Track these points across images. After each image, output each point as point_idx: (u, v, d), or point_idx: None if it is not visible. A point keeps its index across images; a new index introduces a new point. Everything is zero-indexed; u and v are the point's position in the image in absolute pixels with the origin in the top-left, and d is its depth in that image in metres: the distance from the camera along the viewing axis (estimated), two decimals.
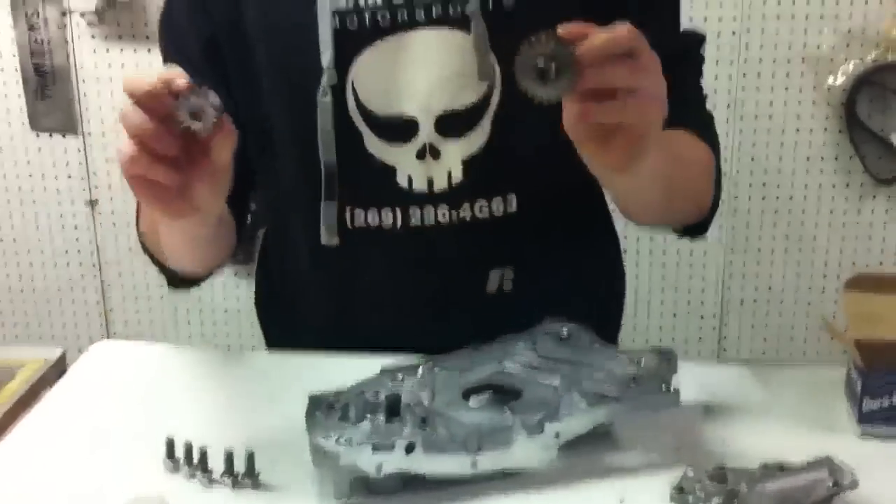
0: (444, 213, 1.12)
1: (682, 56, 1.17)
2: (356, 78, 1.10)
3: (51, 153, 2.35)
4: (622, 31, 0.85)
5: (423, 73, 1.09)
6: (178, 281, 1.21)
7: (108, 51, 2.27)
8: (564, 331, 1.06)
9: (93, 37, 2.26)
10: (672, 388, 0.94)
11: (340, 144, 1.11)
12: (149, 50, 2.26)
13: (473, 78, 1.09)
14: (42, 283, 2.43)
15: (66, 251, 2.42)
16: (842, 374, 1.04)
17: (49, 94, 2.30)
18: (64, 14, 2.25)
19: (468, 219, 1.12)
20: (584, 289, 1.22)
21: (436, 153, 1.11)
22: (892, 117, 2.19)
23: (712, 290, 2.33)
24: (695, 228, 1.21)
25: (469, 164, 1.11)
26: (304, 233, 1.17)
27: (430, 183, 1.11)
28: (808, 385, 1.07)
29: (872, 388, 0.97)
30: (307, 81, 1.09)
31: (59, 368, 1.28)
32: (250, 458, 0.92)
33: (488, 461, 0.90)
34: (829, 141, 2.22)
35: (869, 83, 2.16)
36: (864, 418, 0.98)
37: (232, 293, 2.35)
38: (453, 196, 1.12)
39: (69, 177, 2.36)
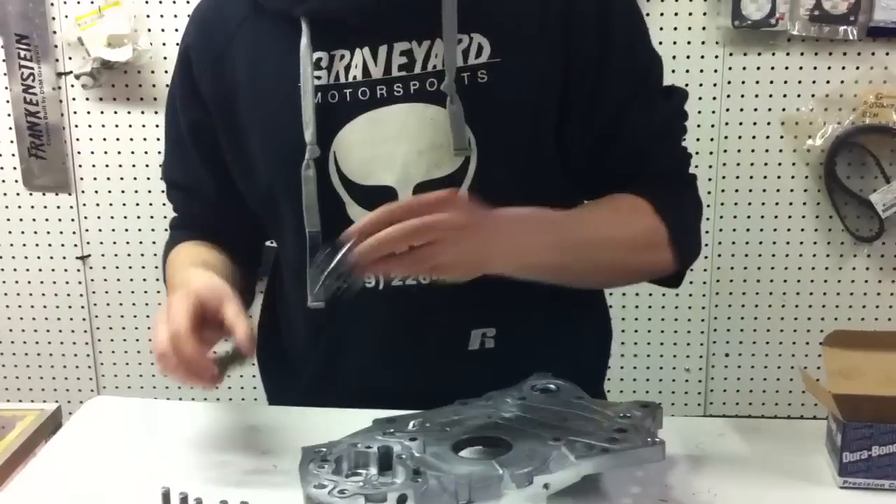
0: (424, 276, 1.15)
1: (661, 119, 1.21)
2: (338, 150, 1.14)
3: (43, 210, 2.37)
4: (404, 225, 0.94)
5: (401, 145, 1.13)
6: None
7: (102, 112, 2.31)
8: (552, 385, 1.09)
9: (87, 98, 2.30)
10: (658, 441, 0.96)
11: (325, 212, 1.14)
12: (142, 112, 2.29)
13: (450, 150, 1.12)
14: (33, 336, 2.44)
15: (58, 306, 2.43)
16: (823, 427, 1.06)
17: (43, 153, 2.33)
18: (60, 75, 2.28)
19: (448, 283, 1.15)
20: (568, 345, 1.24)
21: None
22: (870, 177, 2.25)
23: (697, 344, 2.36)
24: (667, 280, 1.24)
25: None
26: (295, 293, 1.21)
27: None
28: (791, 438, 1.10)
29: (851, 440, 1.00)
30: (293, 155, 1.13)
31: (54, 422, 1.28)
32: None
33: None
34: (809, 201, 2.27)
35: (847, 145, 2.21)
36: (844, 470, 1.00)
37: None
38: None
39: (61, 232, 2.38)
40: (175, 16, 2.23)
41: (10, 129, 2.32)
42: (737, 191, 2.26)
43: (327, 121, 1.13)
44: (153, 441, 1.12)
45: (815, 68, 2.20)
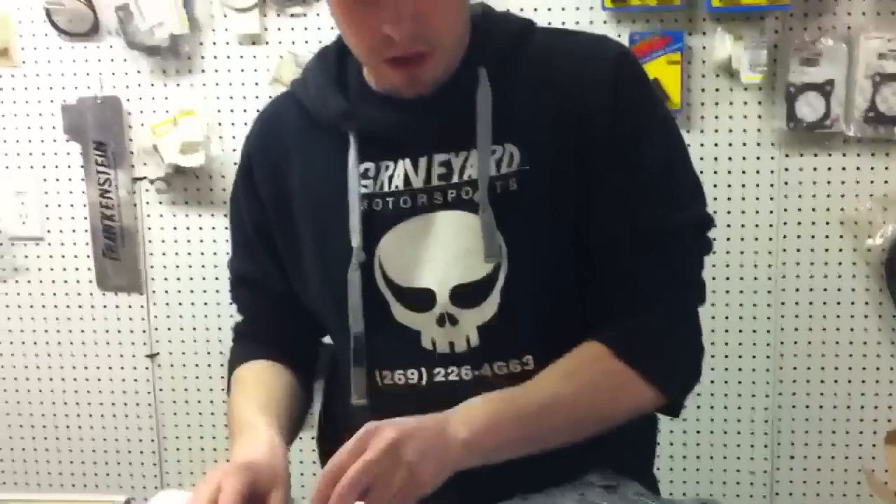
0: (466, 372, 1.20)
1: (669, 238, 1.20)
2: (382, 254, 1.20)
3: (115, 309, 2.46)
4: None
5: (439, 250, 1.18)
6: None
7: (174, 215, 2.40)
8: (613, 482, 1.10)
9: (160, 202, 2.40)
10: None
11: (370, 312, 1.20)
12: (212, 215, 2.38)
13: (482, 256, 1.17)
14: (101, 432, 2.50)
15: (126, 403, 2.49)
16: None
17: (116, 254, 2.42)
18: (135, 180, 2.39)
19: (489, 376, 1.19)
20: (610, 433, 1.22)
21: (453, 320, 1.19)
22: None
23: (761, 446, 2.34)
24: (664, 410, 1.25)
25: (484, 331, 1.18)
26: (346, 388, 1.25)
27: (452, 345, 1.19)
28: None
29: None
30: (341, 259, 1.20)
31: None
32: None
33: None
34: (871, 300, 2.26)
35: None
36: None
37: None
38: (473, 357, 1.19)
39: (131, 331, 2.46)
40: (245, 123, 2.33)
41: (86, 231, 2.42)
42: (797, 290, 2.26)
43: (372, 227, 1.20)
44: None
45: (871, 168, 2.22)
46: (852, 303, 2.27)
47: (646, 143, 1.18)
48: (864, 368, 2.29)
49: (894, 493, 1.03)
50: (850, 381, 2.29)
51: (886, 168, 2.22)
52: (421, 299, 1.19)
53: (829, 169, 2.23)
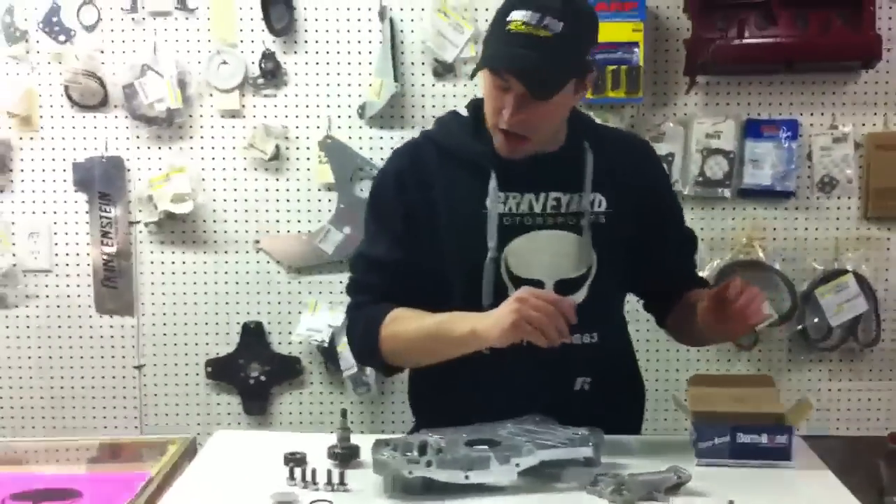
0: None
1: (691, 246, 2.04)
2: (508, 254, 1.84)
3: (109, 329, 3.01)
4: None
5: (549, 255, 1.84)
6: (395, 370, 1.95)
7: (162, 252, 2.98)
8: (538, 418, 1.75)
9: (151, 242, 2.97)
10: (592, 444, 1.65)
11: (496, 293, 1.80)
12: (194, 252, 2.97)
13: (580, 262, 1.85)
14: (93, 432, 3.00)
15: (115, 407, 3.03)
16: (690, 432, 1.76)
17: (114, 284, 2.98)
18: (131, 223, 2.96)
19: (568, 343, 1.75)
20: (629, 394, 2.01)
21: None
22: None
23: None
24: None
25: (574, 312, 1.76)
26: None
27: None
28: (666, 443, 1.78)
29: (702, 435, 1.70)
30: (477, 254, 1.81)
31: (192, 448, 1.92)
32: (341, 474, 1.60)
33: (475, 476, 1.58)
34: None
35: (728, 275, 2.93)
36: (699, 453, 1.70)
37: None
38: None
39: (122, 347, 3.01)
40: (224, 179, 2.95)
41: (88, 265, 2.98)
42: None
43: (503, 235, 1.82)
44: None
45: (702, 219, 2.96)
46: None
47: (674, 197, 2.06)
48: (689, 360, 2.99)
49: (691, 411, 1.73)
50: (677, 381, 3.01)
51: (713, 219, 2.97)
52: (533, 286, 1.78)
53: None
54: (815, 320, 2.97)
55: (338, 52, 2.93)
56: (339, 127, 2.94)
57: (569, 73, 1.75)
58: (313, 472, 1.61)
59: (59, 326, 3.01)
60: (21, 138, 2.94)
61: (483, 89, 1.81)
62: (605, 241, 1.85)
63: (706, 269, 2.93)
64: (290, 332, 2.98)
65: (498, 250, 1.81)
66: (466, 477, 1.57)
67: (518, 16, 1.70)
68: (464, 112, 1.91)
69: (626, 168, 1.89)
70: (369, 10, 2.91)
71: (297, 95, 2.94)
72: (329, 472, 1.60)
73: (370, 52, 2.92)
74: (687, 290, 1.95)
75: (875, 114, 2.94)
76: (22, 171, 2.96)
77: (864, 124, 2.95)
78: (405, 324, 1.85)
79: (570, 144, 1.87)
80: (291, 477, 1.62)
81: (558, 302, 1.68)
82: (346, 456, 1.70)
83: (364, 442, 1.71)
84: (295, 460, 1.68)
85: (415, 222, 1.88)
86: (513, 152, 1.80)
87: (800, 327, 2.98)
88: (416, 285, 1.88)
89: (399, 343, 1.86)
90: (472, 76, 1.80)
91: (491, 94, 1.78)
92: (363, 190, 2.87)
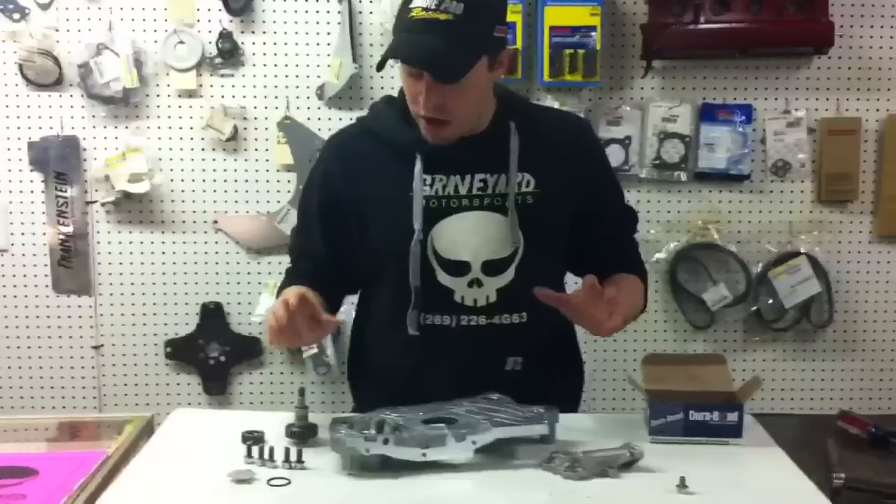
0: (482, 320, 1.85)
1: (628, 225, 2.03)
2: (434, 236, 1.84)
3: (66, 309, 2.99)
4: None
5: (475, 236, 1.84)
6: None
7: (119, 232, 2.96)
8: (495, 396, 1.77)
9: (108, 221, 2.96)
10: (545, 423, 1.68)
11: (422, 275, 1.82)
12: (151, 232, 2.96)
13: (507, 242, 1.85)
14: (52, 412, 2.99)
15: (73, 387, 3.02)
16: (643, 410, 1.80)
17: (70, 263, 2.96)
18: (87, 203, 2.94)
19: (496, 324, 1.84)
20: (563, 372, 1.99)
21: (480, 284, 1.85)
22: (702, 281, 3.03)
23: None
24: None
25: (500, 292, 1.84)
26: (392, 328, 1.86)
27: (475, 301, 1.85)
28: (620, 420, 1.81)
29: (655, 413, 1.73)
30: (404, 238, 1.81)
31: (149, 427, 1.93)
32: (299, 452, 1.61)
33: (432, 454, 1.60)
34: (659, 299, 3.04)
35: (684, 257, 3.01)
36: (652, 430, 1.73)
37: None
38: (489, 310, 1.85)
39: (80, 327, 3.00)
40: (181, 160, 2.94)
41: (45, 244, 2.96)
42: None
43: (429, 218, 1.83)
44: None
45: (658, 202, 3.00)
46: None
47: (611, 180, 2.01)
48: (646, 341, 3.04)
49: (645, 389, 1.77)
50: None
51: (669, 202, 3.01)
52: (459, 268, 1.83)
53: (628, 202, 3.00)
54: (770, 301, 3.03)
55: (296, 33, 2.92)
56: (297, 108, 2.94)
57: (474, 53, 1.75)
58: (271, 450, 1.62)
59: (16, 307, 2.99)
60: None
61: (401, 79, 1.83)
62: (532, 221, 1.85)
63: (663, 251, 2.99)
64: (249, 313, 2.98)
65: (424, 232, 1.83)
66: (423, 455, 1.59)
67: (419, 2, 1.72)
68: (397, 97, 1.92)
69: (557, 146, 1.90)
70: None
71: (255, 76, 2.93)
72: (287, 451, 1.62)
73: (329, 33, 2.91)
74: (619, 269, 1.95)
75: (828, 99, 3.00)
76: None
77: (816, 109, 3.00)
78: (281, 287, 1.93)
79: (496, 126, 1.87)
80: (249, 455, 1.63)
81: (295, 312, 1.70)
82: (303, 434, 1.72)
83: (322, 421, 1.73)
84: (252, 438, 1.69)
85: (341, 216, 1.91)
86: (437, 138, 1.81)
87: (754, 308, 3.04)
88: (345, 270, 1.94)
89: None
90: (379, 69, 1.79)
91: (406, 82, 1.80)
92: None
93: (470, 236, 1.85)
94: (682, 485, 1.52)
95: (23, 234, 2.96)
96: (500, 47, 1.81)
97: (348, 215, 1.90)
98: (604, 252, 1.94)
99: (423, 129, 1.81)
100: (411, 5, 1.73)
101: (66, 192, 2.93)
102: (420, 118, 1.80)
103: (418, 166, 1.83)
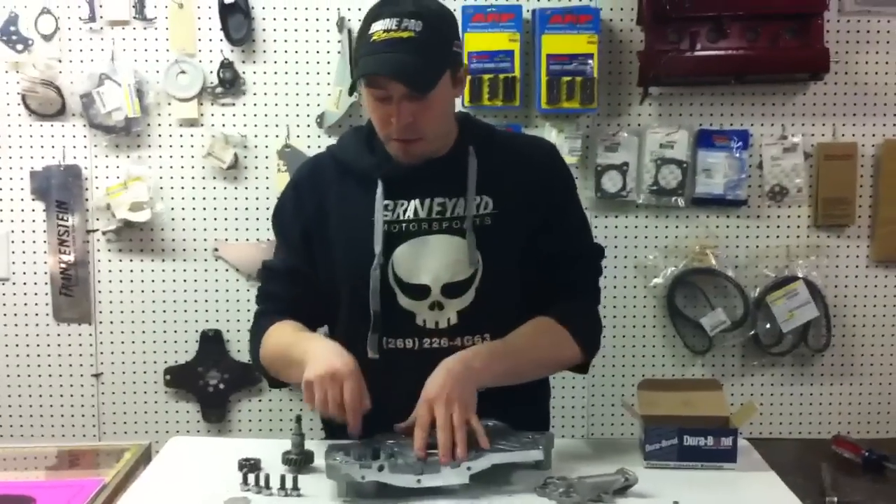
0: (444, 342, 1.87)
1: (584, 259, 1.97)
2: (395, 260, 1.86)
3: (67, 337, 3.00)
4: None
5: (435, 260, 1.86)
6: (278, 384, 1.96)
7: (120, 260, 2.98)
8: (490, 423, 1.78)
9: (109, 250, 2.97)
10: (540, 448, 1.68)
11: (383, 299, 1.84)
12: (152, 260, 2.98)
13: (466, 264, 1.86)
14: (51, 440, 3.00)
15: (73, 415, 3.02)
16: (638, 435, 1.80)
17: (71, 292, 2.98)
18: (89, 232, 2.96)
19: (459, 346, 1.85)
20: (528, 392, 1.95)
21: (441, 307, 1.86)
22: (700, 306, 3.04)
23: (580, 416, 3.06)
24: (577, 369, 1.99)
25: (461, 315, 1.86)
26: (353, 353, 1.81)
27: (437, 324, 1.86)
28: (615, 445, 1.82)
29: (650, 438, 1.73)
30: (365, 261, 1.84)
31: (147, 455, 1.93)
32: (295, 479, 1.62)
33: (427, 480, 1.61)
34: (657, 325, 3.05)
35: (682, 282, 3.01)
36: (647, 455, 1.73)
37: None
38: (451, 332, 1.87)
39: (80, 355, 3.01)
40: (182, 188, 2.96)
41: (46, 273, 2.98)
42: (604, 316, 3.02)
43: (389, 242, 1.85)
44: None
45: (656, 227, 3.02)
46: (644, 326, 3.06)
47: (571, 204, 1.99)
48: (644, 366, 3.07)
49: (640, 415, 1.77)
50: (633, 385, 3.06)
51: (666, 227, 3.02)
52: (419, 291, 1.86)
53: (626, 227, 3.02)
54: (767, 326, 3.03)
55: (296, 62, 2.95)
56: (297, 136, 2.96)
57: (441, 65, 1.80)
58: (267, 477, 1.63)
59: (17, 335, 3.00)
60: None
61: (368, 108, 1.85)
62: (490, 242, 1.86)
63: (661, 277, 3.00)
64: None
65: (385, 256, 1.85)
66: (418, 481, 1.60)
67: (378, 26, 1.77)
68: (364, 126, 1.97)
69: (517, 168, 1.92)
70: (328, 20, 2.94)
71: (255, 105, 2.96)
72: (283, 478, 1.62)
73: (329, 62, 2.94)
74: (567, 293, 1.93)
75: (824, 124, 3.01)
76: None
77: (813, 135, 3.02)
78: (275, 338, 1.93)
79: (455, 150, 1.90)
80: (245, 482, 1.64)
81: (350, 399, 1.70)
82: (299, 461, 1.72)
83: (319, 448, 1.74)
84: (249, 466, 1.70)
85: (309, 235, 1.94)
86: (410, 156, 1.85)
87: (752, 333, 3.04)
88: (315, 293, 1.95)
89: (267, 358, 1.94)
90: (351, 93, 1.83)
91: (373, 107, 1.83)
92: None
93: (429, 259, 1.86)
94: None
95: (24, 262, 2.98)
96: (458, 61, 1.87)
97: (315, 232, 1.93)
98: (554, 273, 1.93)
99: (395, 151, 1.85)
100: (371, 31, 1.78)
101: (67, 220, 2.95)
102: (391, 141, 1.83)
103: (379, 191, 1.86)
